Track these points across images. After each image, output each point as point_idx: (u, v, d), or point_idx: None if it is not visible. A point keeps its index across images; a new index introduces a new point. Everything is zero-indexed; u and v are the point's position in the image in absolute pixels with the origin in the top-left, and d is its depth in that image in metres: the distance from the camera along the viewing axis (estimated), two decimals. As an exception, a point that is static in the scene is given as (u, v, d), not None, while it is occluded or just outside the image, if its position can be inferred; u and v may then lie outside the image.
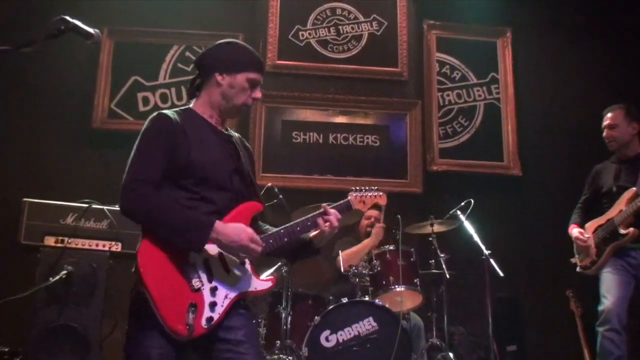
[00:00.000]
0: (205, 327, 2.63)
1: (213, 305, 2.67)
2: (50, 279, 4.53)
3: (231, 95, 2.96)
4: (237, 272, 2.81)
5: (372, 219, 6.08)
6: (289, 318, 4.90)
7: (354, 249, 5.64)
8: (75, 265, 4.64)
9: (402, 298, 5.19)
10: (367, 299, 5.11)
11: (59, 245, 4.85)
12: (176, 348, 2.63)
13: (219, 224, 2.70)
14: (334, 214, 3.03)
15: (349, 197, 3.26)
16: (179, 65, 6.96)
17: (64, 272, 4.57)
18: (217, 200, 2.83)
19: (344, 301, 4.95)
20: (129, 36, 6.96)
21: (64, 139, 6.59)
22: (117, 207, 4.97)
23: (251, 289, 2.84)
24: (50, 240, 4.90)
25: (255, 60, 3.01)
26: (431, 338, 5.49)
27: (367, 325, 4.82)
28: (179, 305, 2.58)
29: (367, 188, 3.34)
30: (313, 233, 3.06)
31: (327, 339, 4.77)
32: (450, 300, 5.41)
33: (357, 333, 4.79)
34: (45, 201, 5.03)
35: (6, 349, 4.89)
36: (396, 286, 5.14)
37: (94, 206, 4.97)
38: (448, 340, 5.36)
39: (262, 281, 2.89)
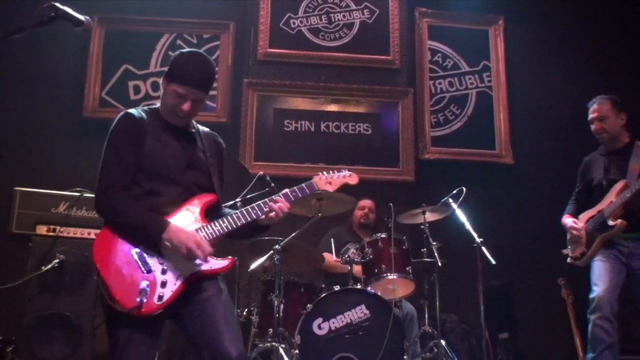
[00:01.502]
0: (158, 303, 2.80)
1: (164, 283, 2.84)
2: (43, 267, 4.53)
3: (164, 101, 3.11)
4: None
5: (366, 209, 6.10)
6: (282, 306, 4.91)
7: (338, 264, 5.58)
8: (67, 253, 4.64)
9: (395, 286, 5.21)
10: (359, 286, 5.12)
11: (51, 234, 4.85)
12: (147, 325, 2.84)
13: (172, 227, 2.87)
14: (281, 202, 3.15)
15: (313, 178, 3.40)
16: (170, 53, 6.89)
17: (56, 260, 4.57)
18: (166, 193, 3.00)
19: (336, 289, 4.96)
20: (119, 24, 6.93)
21: (55, 128, 6.57)
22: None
23: (205, 268, 2.95)
24: (42, 229, 4.91)
25: (187, 74, 3.05)
26: (423, 326, 5.51)
27: (359, 313, 4.83)
28: (130, 285, 2.77)
29: (336, 170, 3.50)
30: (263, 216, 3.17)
31: (319, 327, 4.78)
32: (442, 288, 5.41)
33: (349, 321, 4.80)
34: (36, 190, 5.03)
35: (-1, 338, 4.91)
36: (388, 274, 5.15)
37: (85, 195, 4.97)
38: (440, 327, 5.37)
39: (219, 260, 3.00)
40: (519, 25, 7.48)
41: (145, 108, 3.16)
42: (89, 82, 6.69)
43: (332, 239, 5.74)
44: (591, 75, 7.18)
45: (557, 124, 7.16)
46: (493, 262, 4.77)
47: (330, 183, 3.43)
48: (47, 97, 6.61)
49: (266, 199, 3.17)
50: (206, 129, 3.34)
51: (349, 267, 5.27)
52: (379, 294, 4.96)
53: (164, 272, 2.86)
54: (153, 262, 2.86)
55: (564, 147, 6.85)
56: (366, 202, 6.12)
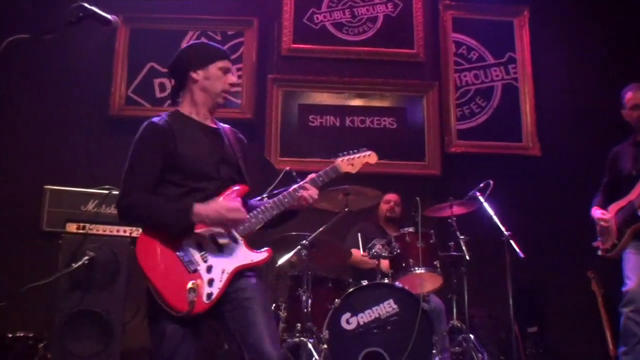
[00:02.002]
0: (207, 302, 2.88)
1: (211, 281, 2.93)
2: (73, 265, 4.57)
3: (209, 86, 3.22)
4: (230, 249, 3.04)
5: (392, 203, 6.08)
6: (310, 301, 4.92)
7: (365, 259, 5.55)
8: (97, 251, 4.68)
9: (422, 280, 5.20)
10: (387, 281, 5.12)
11: (81, 231, 4.89)
12: (191, 322, 2.92)
13: (197, 207, 2.93)
14: (310, 189, 3.26)
15: (336, 162, 3.47)
16: (195, 50, 6.95)
17: (86, 258, 4.61)
18: (206, 188, 3.06)
19: (364, 284, 4.96)
20: (144, 23, 6.97)
21: (82, 127, 6.63)
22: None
23: (247, 261, 3.05)
24: (71, 227, 4.95)
25: (219, 51, 3.32)
26: (452, 320, 5.50)
27: (387, 307, 4.83)
28: (179, 287, 2.84)
29: (354, 150, 3.53)
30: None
31: (347, 322, 4.78)
32: (470, 282, 5.39)
33: (377, 315, 4.80)
34: (66, 188, 5.07)
35: (31, 335, 4.97)
36: (416, 268, 5.14)
37: (114, 192, 4.99)
38: (469, 322, 5.35)
39: (258, 253, 3.10)
40: (544, 16, 7.40)
41: (167, 113, 3.24)
42: (115, 81, 6.74)
43: (358, 234, 5.73)
44: (618, 65, 7.08)
45: (584, 115, 7.07)
46: (522, 255, 4.74)
47: (352, 164, 3.49)
48: (74, 96, 6.67)
49: (295, 186, 3.25)
50: (227, 126, 3.44)
51: (377, 262, 5.27)
52: (406, 288, 4.96)
53: (209, 270, 2.94)
54: (197, 261, 2.94)
55: (592, 138, 6.76)
56: (391, 196, 6.10)
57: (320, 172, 3.37)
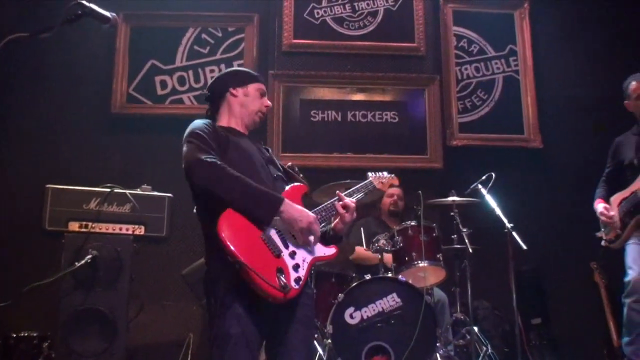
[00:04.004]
0: (296, 287, 2.90)
1: (296, 267, 2.96)
2: (76, 263, 4.59)
3: (247, 103, 3.36)
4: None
5: (395, 197, 6.09)
6: (313, 296, 4.92)
7: (368, 255, 5.56)
8: (100, 249, 4.69)
9: (425, 273, 5.20)
10: (390, 275, 5.12)
11: (83, 230, 4.91)
12: (256, 323, 2.87)
13: (287, 202, 2.96)
14: (349, 201, 3.25)
15: (369, 177, 3.63)
16: (195, 47, 6.95)
17: (89, 256, 4.63)
18: (262, 184, 3.04)
19: (367, 278, 4.96)
20: (144, 20, 6.95)
21: (84, 125, 6.62)
22: (138, 191, 5.06)
23: (320, 254, 3.13)
24: (74, 226, 4.96)
25: (257, 75, 3.51)
26: (455, 313, 5.51)
27: (391, 301, 4.82)
28: (268, 270, 2.82)
29: (382, 172, 3.71)
30: (334, 222, 3.28)
31: (351, 316, 4.78)
32: (473, 275, 5.39)
33: (381, 309, 4.80)
34: (68, 187, 5.07)
35: (35, 334, 4.98)
36: (419, 262, 5.14)
37: (116, 190, 5.01)
38: (472, 314, 5.35)
39: (328, 248, 3.19)
40: (544, 8, 7.38)
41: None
42: (116, 79, 6.73)
43: (361, 229, 5.73)
44: (619, 56, 7.07)
45: (585, 106, 7.06)
46: (524, 247, 4.74)
47: (382, 182, 3.65)
48: (75, 94, 6.67)
49: (330, 202, 3.26)
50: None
51: (380, 257, 5.27)
52: (410, 282, 4.96)
53: (292, 255, 2.97)
54: (280, 246, 2.95)
55: (594, 129, 6.76)
56: (394, 190, 6.10)
57: (354, 187, 3.46)
